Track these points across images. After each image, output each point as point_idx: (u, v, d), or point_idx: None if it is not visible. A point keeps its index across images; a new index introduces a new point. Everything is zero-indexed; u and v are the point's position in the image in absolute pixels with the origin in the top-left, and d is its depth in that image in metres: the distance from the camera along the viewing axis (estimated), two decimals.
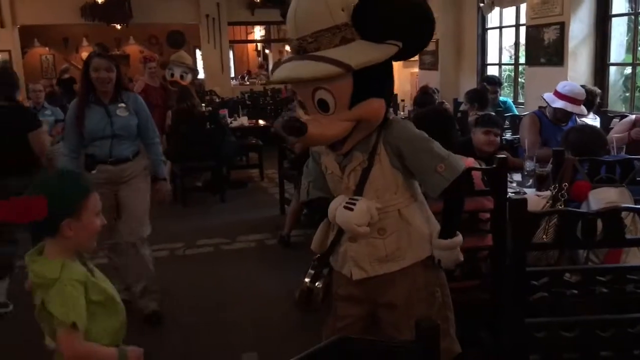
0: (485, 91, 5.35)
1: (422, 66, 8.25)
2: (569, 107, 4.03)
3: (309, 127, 1.69)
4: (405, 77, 8.91)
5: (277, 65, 1.83)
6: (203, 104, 7.47)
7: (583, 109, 4.12)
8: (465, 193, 1.94)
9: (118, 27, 12.81)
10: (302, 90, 1.74)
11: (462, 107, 5.34)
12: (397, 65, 6.97)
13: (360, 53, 1.66)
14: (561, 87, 4.15)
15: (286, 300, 3.60)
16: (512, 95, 7.05)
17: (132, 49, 16.13)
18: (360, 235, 1.81)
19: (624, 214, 2.30)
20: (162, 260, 4.51)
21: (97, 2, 10.64)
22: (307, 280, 1.93)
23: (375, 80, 1.75)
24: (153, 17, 12.32)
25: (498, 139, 3.71)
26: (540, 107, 4.69)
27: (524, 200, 1.88)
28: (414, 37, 1.71)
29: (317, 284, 1.92)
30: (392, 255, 1.86)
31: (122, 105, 3.30)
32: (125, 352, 1.71)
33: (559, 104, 4.07)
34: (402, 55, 1.74)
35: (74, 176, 1.78)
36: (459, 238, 1.87)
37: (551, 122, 4.17)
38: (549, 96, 4.17)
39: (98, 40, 15.48)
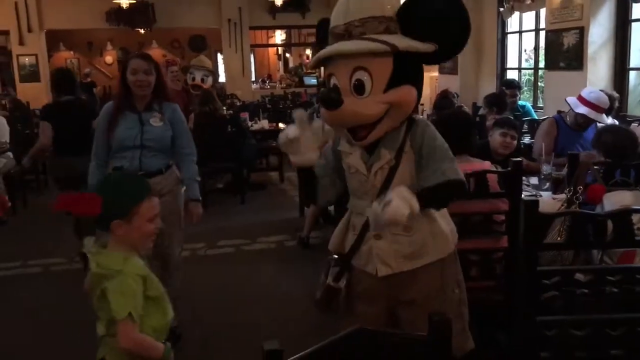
0: (503, 95, 5.38)
1: (442, 70, 8.29)
2: (592, 114, 3.98)
3: (345, 101, 1.76)
4: (425, 81, 8.78)
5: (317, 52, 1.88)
6: (224, 107, 7.58)
7: (604, 117, 4.10)
8: (457, 198, 1.94)
9: (142, 31, 13.05)
10: (342, 69, 1.79)
11: (481, 112, 5.38)
12: None
13: (404, 40, 1.76)
14: (587, 93, 4.11)
15: (306, 299, 3.66)
16: (531, 99, 7.05)
17: (155, 53, 16.33)
18: (405, 223, 1.74)
19: (638, 217, 2.36)
20: (183, 260, 4.60)
21: (122, 7, 10.86)
22: (329, 279, 1.97)
23: (412, 69, 1.82)
24: (176, 22, 12.54)
25: (515, 142, 3.74)
26: (559, 112, 4.72)
27: (536, 202, 1.94)
28: (449, 43, 1.79)
29: (340, 282, 1.96)
30: (417, 252, 1.92)
31: (157, 114, 3.03)
32: (169, 348, 1.81)
33: (582, 109, 4.03)
34: (435, 59, 1.83)
35: (132, 181, 1.92)
36: (415, 207, 1.73)
37: (570, 127, 4.15)
38: (572, 100, 4.13)
39: (122, 45, 15.80)
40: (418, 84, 1.86)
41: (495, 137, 3.71)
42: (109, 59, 16.23)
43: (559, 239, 2.47)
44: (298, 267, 4.40)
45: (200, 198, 3.26)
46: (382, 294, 1.98)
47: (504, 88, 5.78)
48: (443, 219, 1.97)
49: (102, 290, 1.70)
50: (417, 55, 1.77)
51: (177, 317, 3.54)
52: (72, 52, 15.83)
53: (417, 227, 1.90)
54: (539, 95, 6.83)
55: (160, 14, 12.21)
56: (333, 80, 1.82)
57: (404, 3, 1.80)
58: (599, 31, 5.47)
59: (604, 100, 4.05)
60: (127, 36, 14.28)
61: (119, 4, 10.79)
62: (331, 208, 4.63)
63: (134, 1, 10.74)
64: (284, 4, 11.34)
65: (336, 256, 2.04)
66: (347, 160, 1.95)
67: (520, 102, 6.02)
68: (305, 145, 1.96)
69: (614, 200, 2.59)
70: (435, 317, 1.45)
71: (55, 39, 14.16)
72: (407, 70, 1.79)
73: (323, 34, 1.94)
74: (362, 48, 1.74)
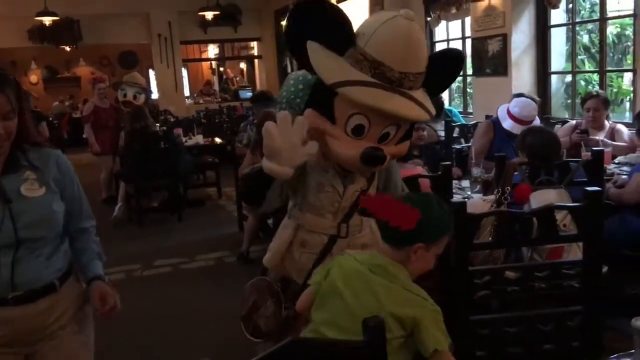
0: (438, 99, 5.48)
1: None
2: (516, 128, 4.04)
3: (387, 159, 1.76)
4: None
5: (360, 83, 1.68)
6: (157, 124, 7.44)
7: None
8: None
9: (67, 49, 12.64)
10: (381, 121, 1.72)
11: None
12: None
13: (430, 105, 1.79)
14: (512, 106, 4.18)
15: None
16: (462, 105, 7.25)
17: (83, 70, 15.93)
18: None
19: (563, 213, 2.44)
20: (118, 283, 4.45)
21: (45, 24, 10.47)
22: (286, 310, 1.89)
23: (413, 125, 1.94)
24: (103, 38, 12.21)
25: (425, 132, 3.97)
26: (487, 117, 4.87)
27: (464, 203, 1.98)
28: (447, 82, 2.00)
29: (292, 320, 1.90)
30: None
31: (31, 174, 1.70)
32: None
33: (507, 124, 4.12)
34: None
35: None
36: None
37: (505, 131, 4.19)
38: (501, 113, 4.20)
39: (47, 63, 15.27)
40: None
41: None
42: (33, 78, 15.65)
43: (490, 239, 2.53)
44: (238, 283, 4.31)
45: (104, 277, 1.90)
46: None
47: None
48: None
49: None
50: None
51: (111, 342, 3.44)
52: None
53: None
54: (469, 101, 7.03)
55: (86, 31, 11.85)
56: (357, 121, 1.72)
57: (431, 59, 1.78)
58: (521, 37, 5.68)
59: (527, 114, 4.09)
60: (52, 54, 13.81)
61: (41, 22, 10.41)
62: (270, 221, 4.59)
63: (58, 18, 10.37)
64: (215, 18, 11.24)
65: (281, 282, 1.98)
66: (321, 178, 1.87)
67: (447, 107, 6.17)
68: (287, 157, 1.70)
69: (540, 199, 2.68)
70: (370, 322, 1.44)
71: None
72: (412, 126, 1.87)
73: (308, 20, 1.73)
74: (418, 118, 1.76)
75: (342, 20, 1.72)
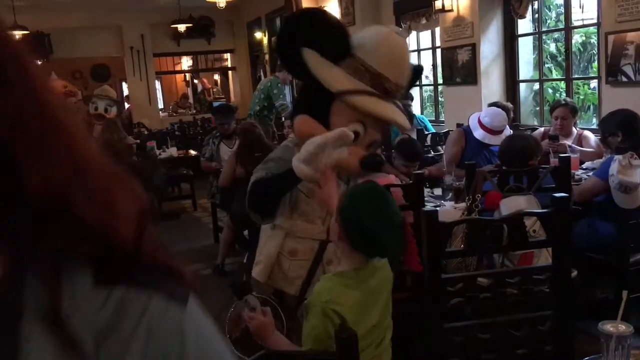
0: (406, 107, 5.54)
1: None
2: (487, 138, 4.11)
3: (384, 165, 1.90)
4: None
5: (365, 93, 1.78)
6: (131, 137, 7.38)
7: (500, 138, 4.15)
8: None
9: (38, 62, 12.48)
10: (378, 127, 1.86)
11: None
12: None
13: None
14: (483, 115, 4.23)
15: (223, 329, 3.59)
16: (433, 114, 7.34)
17: (55, 84, 15.70)
18: None
19: (533, 219, 2.49)
20: None
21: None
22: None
23: None
24: (75, 52, 12.10)
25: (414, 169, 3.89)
26: (458, 125, 4.94)
27: (435, 212, 2.01)
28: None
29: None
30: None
31: None
32: None
33: (478, 133, 4.17)
34: None
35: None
36: None
37: (477, 139, 4.23)
38: (473, 122, 4.24)
39: None
40: None
41: (399, 165, 3.80)
42: None
43: (462, 246, 2.57)
44: (213, 295, 4.30)
45: None
46: None
47: (403, 102, 5.97)
48: None
49: None
50: None
51: None
52: None
53: None
54: (440, 109, 7.12)
55: (57, 44, 11.74)
56: (354, 128, 1.76)
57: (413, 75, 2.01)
58: (490, 47, 5.79)
59: (498, 124, 4.14)
60: None
61: None
62: (246, 232, 4.58)
63: (28, 32, 10.25)
64: (188, 30, 11.23)
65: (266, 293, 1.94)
66: (310, 185, 1.85)
67: (418, 116, 6.25)
68: (321, 162, 1.70)
69: (510, 205, 2.72)
70: (342, 334, 1.46)
71: None
72: None
73: (305, 28, 1.79)
74: (408, 125, 2.01)
75: (341, 30, 1.80)
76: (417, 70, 2.09)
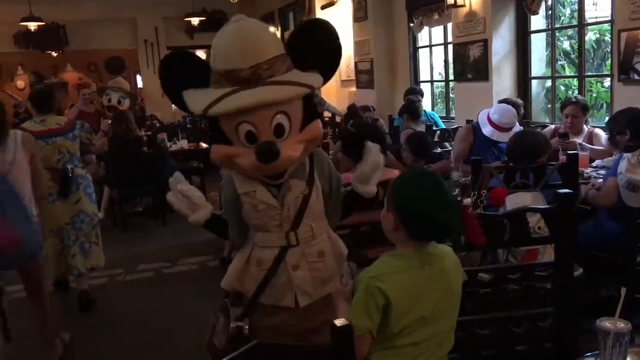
0: (411, 103, 5.63)
1: (359, 85, 8.46)
2: (495, 135, 4.10)
3: (281, 150, 1.73)
4: (344, 95, 9.09)
5: (222, 98, 1.72)
6: (142, 129, 7.43)
7: (509, 135, 4.13)
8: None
9: (54, 54, 12.58)
10: (264, 116, 1.74)
11: (398, 122, 5.62)
12: (335, 84, 7.20)
13: (308, 77, 1.78)
14: (492, 112, 4.21)
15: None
16: (444, 110, 7.31)
17: (70, 76, 15.82)
18: None
19: (538, 216, 2.47)
20: (101, 288, 4.45)
21: (30, 29, 10.42)
22: (232, 322, 1.89)
23: (314, 104, 1.90)
24: (90, 44, 12.19)
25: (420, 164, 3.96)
26: (468, 121, 4.91)
27: None
28: (329, 69, 1.87)
29: (244, 322, 1.90)
30: (329, 276, 1.97)
31: None
32: None
33: (487, 130, 4.15)
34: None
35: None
36: None
37: (485, 135, 4.22)
38: (482, 119, 4.23)
39: (34, 69, 15.16)
40: (319, 113, 1.95)
41: (407, 158, 3.82)
42: (20, 83, 15.51)
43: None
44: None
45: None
46: (293, 326, 1.95)
47: (410, 97, 5.99)
48: (340, 242, 2.06)
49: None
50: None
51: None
52: None
53: (327, 252, 1.97)
54: (451, 106, 7.09)
55: (72, 36, 11.83)
56: (247, 128, 1.75)
57: (291, 38, 1.84)
58: (502, 43, 5.75)
59: (507, 121, 4.12)
60: (39, 60, 13.71)
61: (26, 27, 10.35)
62: None
63: (43, 23, 10.32)
64: (201, 23, 11.25)
65: (230, 298, 2.00)
66: (253, 199, 1.89)
67: (428, 112, 6.24)
68: (197, 202, 1.92)
69: (515, 201, 2.71)
70: (338, 326, 1.46)
71: None
72: (313, 107, 1.87)
73: (178, 72, 1.84)
74: (290, 96, 1.73)
75: (198, 60, 1.85)
76: (315, 26, 1.91)
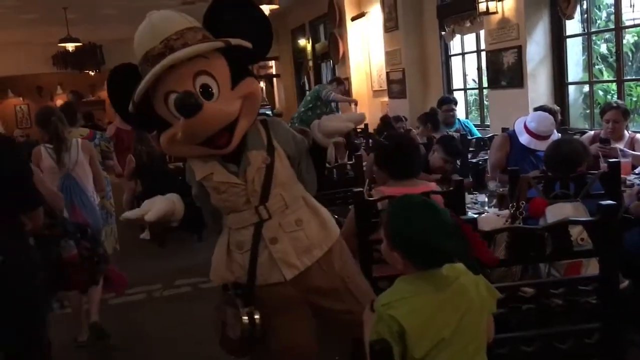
0: (435, 113, 5.73)
1: (392, 95, 8.42)
2: (532, 143, 4.01)
3: (204, 103, 1.69)
4: (376, 106, 9.07)
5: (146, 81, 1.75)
6: None
7: (547, 144, 4.02)
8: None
9: (91, 73, 12.91)
10: (182, 80, 1.73)
11: (416, 131, 5.69)
12: (367, 95, 7.21)
13: (228, 40, 1.79)
14: (529, 120, 4.12)
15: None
16: (479, 118, 7.21)
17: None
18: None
19: (580, 227, 2.40)
20: (139, 303, 4.50)
21: (69, 50, 10.73)
22: (243, 314, 1.87)
23: (246, 63, 1.90)
24: (125, 61, 12.42)
25: (452, 167, 3.95)
26: (504, 129, 4.83)
27: (474, 219, 1.97)
28: (260, 40, 1.87)
29: (255, 316, 1.88)
30: (313, 243, 1.93)
31: None
32: None
33: (524, 138, 4.06)
34: (254, 56, 1.92)
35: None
36: None
37: (523, 144, 4.11)
38: (519, 127, 4.14)
39: (72, 88, 15.58)
40: (252, 72, 1.93)
41: (436, 158, 3.79)
42: (59, 102, 15.97)
43: (504, 255, 2.50)
44: None
45: None
46: (295, 296, 1.94)
47: (436, 107, 6.01)
48: (323, 209, 2.04)
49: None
50: (243, 53, 1.83)
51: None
52: (21, 99, 15.52)
53: (306, 219, 1.94)
54: (486, 113, 6.99)
55: (109, 55, 12.14)
56: (170, 100, 1.76)
57: (206, 13, 1.87)
58: (536, 49, 5.64)
59: (545, 129, 4.03)
60: (77, 79, 14.10)
61: (65, 48, 10.66)
62: None
63: (80, 44, 10.62)
64: None
65: (231, 287, 1.95)
66: (212, 182, 1.89)
67: (462, 120, 6.16)
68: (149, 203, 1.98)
69: (556, 213, 2.64)
70: (376, 345, 1.44)
71: (2, 86, 13.88)
72: (242, 65, 1.86)
73: (124, 80, 1.88)
74: (198, 49, 1.72)
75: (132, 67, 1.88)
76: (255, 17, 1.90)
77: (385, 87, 8.63)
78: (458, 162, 4.47)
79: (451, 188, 2.69)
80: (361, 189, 2.67)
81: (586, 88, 5.72)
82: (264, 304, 1.91)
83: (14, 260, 2.10)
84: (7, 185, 2.10)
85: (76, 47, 10.70)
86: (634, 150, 4.12)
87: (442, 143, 4.03)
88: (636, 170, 3.88)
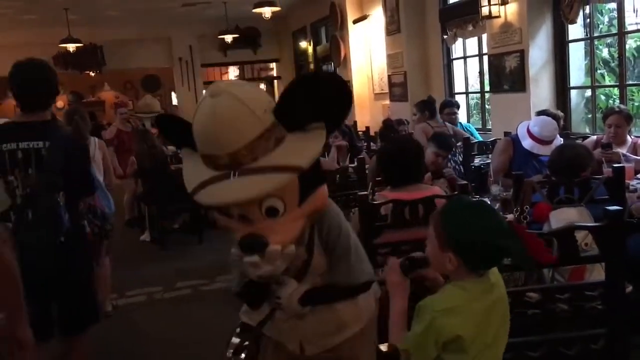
0: (432, 101, 5.86)
1: (393, 98, 8.42)
2: (535, 148, 4.00)
3: (269, 239, 1.53)
4: (377, 109, 9.07)
5: (202, 186, 1.53)
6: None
7: (550, 148, 3.85)
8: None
9: (92, 74, 12.91)
10: (248, 205, 1.54)
11: (413, 117, 5.80)
12: (368, 98, 7.20)
13: (301, 149, 1.54)
14: (532, 124, 4.11)
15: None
16: (480, 122, 7.21)
17: (108, 95, 16.22)
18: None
19: (585, 232, 2.40)
20: (139, 305, 4.49)
21: (69, 51, 10.71)
22: (230, 353, 1.86)
23: (316, 169, 1.63)
24: (126, 63, 12.47)
25: (444, 161, 4.04)
26: (506, 133, 4.82)
27: None
28: (335, 115, 1.61)
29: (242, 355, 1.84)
30: (343, 325, 1.83)
31: None
32: None
33: (527, 143, 4.05)
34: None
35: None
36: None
37: (526, 148, 4.10)
38: (522, 132, 4.13)
39: (72, 88, 15.58)
40: (324, 176, 1.73)
41: (429, 153, 3.80)
42: (60, 103, 15.91)
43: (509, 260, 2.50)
44: None
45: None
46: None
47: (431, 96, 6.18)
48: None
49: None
50: None
51: None
52: None
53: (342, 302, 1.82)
54: (487, 117, 6.99)
55: (109, 56, 12.12)
56: (237, 211, 1.56)
57: (280, 101, 1.56)
58: (539, 53, 5.65)
59: (548, 134, 4.02)
60: (77, 80, 14.08)
61: (65, 48, 10.65)
62: None
63: (81, 45, 10.61)
64: (235, 40, 11.40)
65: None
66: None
67: (464, 124, 6.16)
68: None
69: (560, 217, 2.64)
70: (383, 351, 1.44)
71: (2, 87, 13.86)
72: (313, 173, 1.59)
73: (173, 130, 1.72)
74: (269, 190, 1.50)
75: (186, 123, 1.63)
76: (312, 82, 1.59)
77: (386, 90, 8.63)
78: (452, 161, 4.55)
79: (456, 192, 2.68)
80: (366, 193, 2.66)
81: (588, 93, 5.72)
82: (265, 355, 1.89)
83: (76, 233, 2.65)
84: (79, 177, 2.64)
85: (77, 47, 10.67)
86: (636, 155, 4.11)
87: (434, 139, 4.13)
88: (639, 175, 3.87)
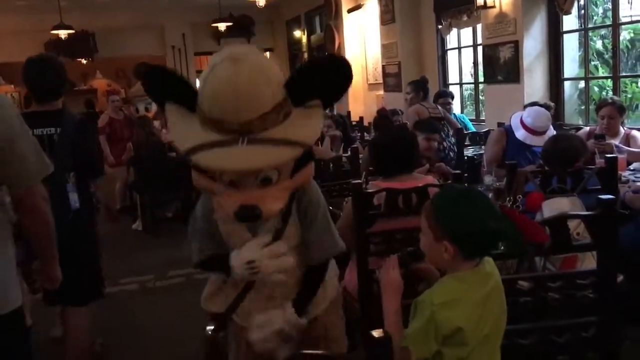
0: (426, 81, 5.88)
1: (387, 88, 8.41)
2: (529, 138, 4.02)
3: (262, 208, 1.57)
4: (372, 99, 9.06)
5: (202, 148, 1.51)
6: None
7: (543, 139, 3.89)
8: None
9: (84, 61, 12.80)
10: (247, 174, 1.59)
11: (406, 97, 5.82)
12: (362, 88, 7.21)
13: (306, 126, 1.59)
14: (525, 115, 4.13)
15: None
16: (474, 112, 7.22)
17: (100, 83, 16.09)
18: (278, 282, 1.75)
19: (577, 222, 2.41)
20: (131, 294, 4.48)
21: (61, 37, 10.61)
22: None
23: (310, 146, 1.70)
24: (118, 51, 12.36)
25: (436, 144, 4.02)
26: (499, 124, 4.83)
27: None
28: (333, 97, 1.66)
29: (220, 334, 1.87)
30: (327, 295, 1.90)
31: None
32: None
33: (520, 133, 4.07)
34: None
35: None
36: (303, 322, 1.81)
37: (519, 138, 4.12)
38: (515, 122, 4.15)
39: None
40: (313, 152, 1.76)
41: (420, 141, 3.78)
42: None
43: (502, 248, 2.50)
44: None
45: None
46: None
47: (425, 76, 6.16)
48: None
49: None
50: None
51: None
52: (12, 86, 15.37)
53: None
54: (481, 108, 6.99)
55: (101, 43, 12.03)
56: (227, 177, 1.60)
57: (296, 78, 1.59)
58: (533, 44, 5.65)
59: (541, 124, 4.03)
60: (69, 67, 13.82)
61: (57, 35, 10.54)
62: None
63: (73, 31, 10.50)
64: (228, 29, 11.33)
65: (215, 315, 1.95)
66: (225, 227, 1.80)
67: (458, 115, 6.16)
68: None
69: (553, 207, 2.64)
70: (376, 339, 1.43)
71: None
72: (307, 151, 1.65)
73: (159, 85, 1.69)
74: (278, 162, 1.55)
75: (182, 79, 1.65)
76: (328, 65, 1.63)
77: (380, 80, 8.62)
78: (447, 141, 4.57)
79: (449, 181, 2.67)
80: (359, 181, 2.65)
81: (582, 84, 5.74)
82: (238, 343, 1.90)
83: (85, 212, 2.90)
84: (87, 158, 2.91)
85: (69, 34, 10.57)
86: (629, 146, 4.13)
87: (417, 127, 4.15)
88: (631, 167, 3.89)
